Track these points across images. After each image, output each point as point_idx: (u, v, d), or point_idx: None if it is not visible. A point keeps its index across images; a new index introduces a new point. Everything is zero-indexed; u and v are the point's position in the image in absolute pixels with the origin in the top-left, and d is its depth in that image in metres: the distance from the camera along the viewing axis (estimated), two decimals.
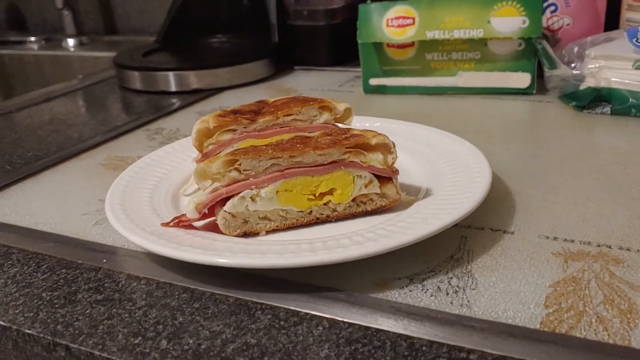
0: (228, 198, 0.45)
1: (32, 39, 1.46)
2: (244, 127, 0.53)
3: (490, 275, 0.41)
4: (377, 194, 0.48)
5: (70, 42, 1.40)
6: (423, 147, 0.60)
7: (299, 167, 0.46)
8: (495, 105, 0.78)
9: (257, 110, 0.55)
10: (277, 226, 0.47)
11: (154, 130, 0.79)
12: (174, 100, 0.89)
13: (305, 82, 0.98)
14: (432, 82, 0.83)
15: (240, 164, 0.44)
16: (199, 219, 0.46)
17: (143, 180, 0.55)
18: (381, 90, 0.86)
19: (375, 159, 0.47)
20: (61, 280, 0.45)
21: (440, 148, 0.58)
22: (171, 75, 0.94)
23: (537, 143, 0.65)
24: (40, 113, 0.92)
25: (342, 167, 0.46)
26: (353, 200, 0.48)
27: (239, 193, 0.45)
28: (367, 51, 0.84)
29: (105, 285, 0.44)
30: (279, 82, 0.99)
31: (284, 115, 0.53)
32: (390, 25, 0.80)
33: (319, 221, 0.48)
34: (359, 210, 0.48)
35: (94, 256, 0.48)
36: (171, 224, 0.46)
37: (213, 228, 0.47)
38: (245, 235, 0.46)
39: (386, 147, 0.48)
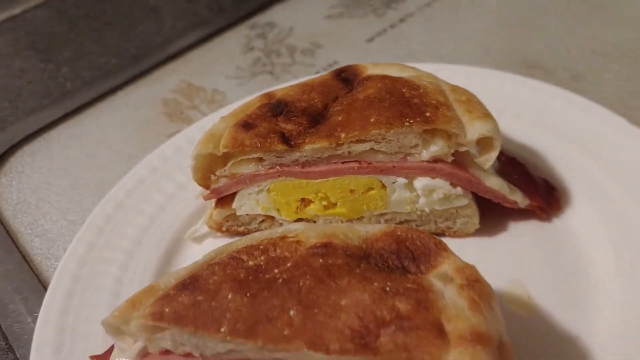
0: None
1: None
2: (277, 157, 0.34)
3: None
4: None
5: None
6: None
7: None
8: None
9: (317, 113, 0.36)
10: None
11: (260, 28, 0.55)
12: None
13: None
14: None
15: (172, 336, 0.24)
16: None
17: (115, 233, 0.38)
18: None
19: None
20: None
21: None
22: None
23: None
24: None
25: None
26: None
27: None
28: None
29: None
30: None
31: (352, 142, 0.33)
32: None
33: None
34: None
35: None
36: None
37: None
38: None
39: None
